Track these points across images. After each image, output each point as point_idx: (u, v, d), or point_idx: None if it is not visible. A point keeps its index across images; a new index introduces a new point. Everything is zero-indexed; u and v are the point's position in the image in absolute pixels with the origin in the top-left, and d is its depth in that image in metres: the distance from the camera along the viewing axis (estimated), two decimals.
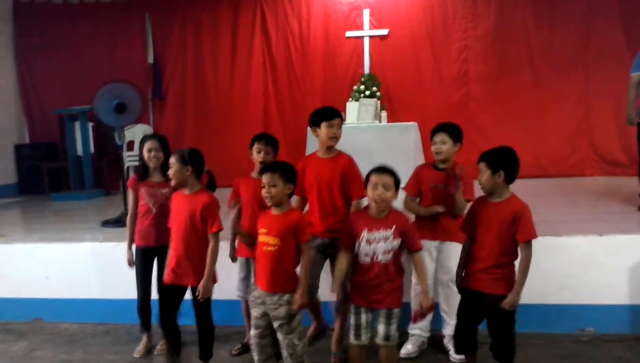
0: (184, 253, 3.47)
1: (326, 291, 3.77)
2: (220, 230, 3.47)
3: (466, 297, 3.31)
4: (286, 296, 3.18)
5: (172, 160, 3.49)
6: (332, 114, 3.67)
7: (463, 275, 3.33)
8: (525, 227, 3.06)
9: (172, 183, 3.54)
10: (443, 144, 3.74)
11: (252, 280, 3.58)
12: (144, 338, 4.19)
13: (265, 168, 3.28)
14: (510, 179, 3.17)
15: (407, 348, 3.92)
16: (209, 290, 3.46)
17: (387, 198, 3.11)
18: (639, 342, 4.02)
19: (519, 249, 3.13)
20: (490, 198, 3.21)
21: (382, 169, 3.16)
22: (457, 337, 3.40)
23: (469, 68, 8.31)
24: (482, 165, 3.17)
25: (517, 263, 3.16)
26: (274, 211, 3.23)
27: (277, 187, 3.15)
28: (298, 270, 3.25)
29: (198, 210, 3.44)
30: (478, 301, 3.21)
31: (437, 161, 3.80)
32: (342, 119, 3.75)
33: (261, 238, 3.24)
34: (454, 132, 3.78)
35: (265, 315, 3.24)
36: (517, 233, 3.07)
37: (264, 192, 3.18)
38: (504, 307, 3.09)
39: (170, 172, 3.49)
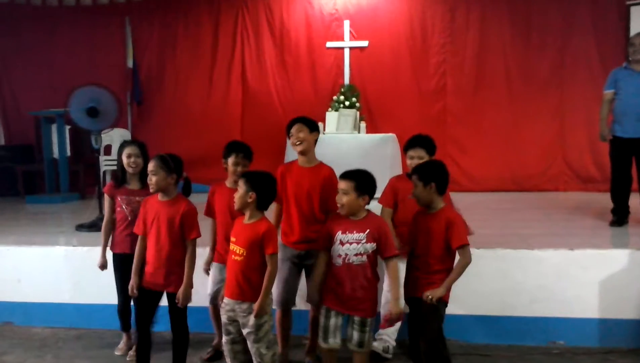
0: (160, 259, 3.43)
1: (299, 300, 3.80)
2: (198, 237, 3.47)
3: (411, 307, 3.42)
4: (253, 305, 3.18)
5: (155, 166, 3.41)
6: (290, 124, 3.71)
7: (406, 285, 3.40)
8: (457, 234, 3.19)
9: (153, 189, 3.46)
10: (421, 159, 3.76)
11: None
12: (124, 337, 4.19)
13: (240, 175, 3.35)
14: (441, 190, 3.31)
15: (374, 345, 3.89)
16: (189, 296, 3.46)
17: (342, 202, 3.20)
18: (609, 355, 4.07)
19: (457, 256, 3.27)
20: (427, 211, 3.33)
21: (343, 175, 3.27)
22: (410, 346, 3.53)
23: (446, 81, 8.45)
24: (415, 178, 3.32)
25: None
26: (244, 220, 3.26)
27: (240, 192, 3.21)
28: None
29: (178, 217, 3.42)
30: (419, 309, 3.29)
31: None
32: (306, 125, 3.68)
33: (230, 246, 3.27)
34: (430, 146, 3.84)
35: (234, 321, 3.26)
36: (450, 240, 3.20)
37: (235, 195, 3.26)
38: (426, 298, 3.16)
39: (154, 179, 3.41)
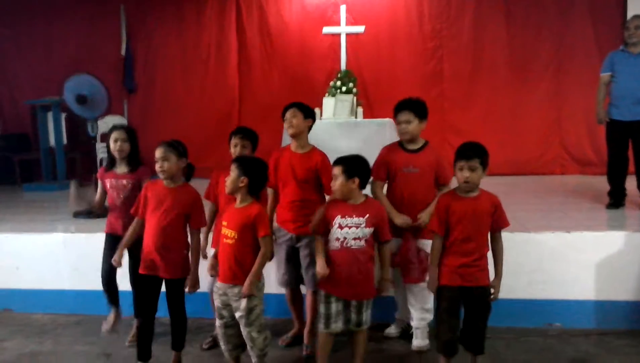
0: (161, 245, 3.43)
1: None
2: (205, 226, 3.54)
3: (459, 296, 3.21)
4: (243, 286, 3.20)
5: (165, 152, 3.40)
6: (285, 109, 3.74)
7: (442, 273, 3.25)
8: (504, 216, 3.22)
9: (164, 176, 3.44)
10: (408, 123, 3.65)
11: None
12: (112, 312, 4.10)
13: (233, 159, 3.37)
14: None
15: (391, 330, 4.10)
16: (197, 282, 3.50)
17: (335, 187, 3.23)
18: (605, 336, 4.11)
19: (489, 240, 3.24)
20: (467, 194, 3.19)
21: (336, 161, 3.28)
22: (462, 334, 3.28)
23: (443, 67, 8.41)
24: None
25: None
26: (236, 204, 3.28)
27: (232, 176, 3.23)
28: None
29: (184, 205, 3.44)
30: (462, 297, 3.21)
31: (404, 141, 3.74)
32: (301, 110, 3.70)
33: (222, 230, 3.29)
34: (419, 109, 3.69)
35: (227, 305, 3.29)
36: (499, 223, 3.21)
37: (225, 180, 3.30)
38: (495, 297, 3.19)
39: (165, 164, 3.40)
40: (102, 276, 3.98)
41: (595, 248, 4.25)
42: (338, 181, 3.22)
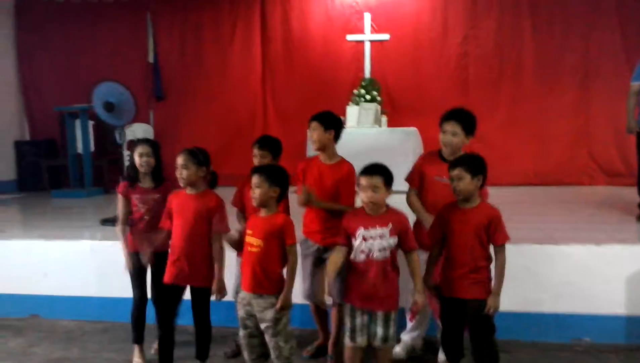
0: (186, 253, 3.46)
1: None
2: (228, 231, 3.51)
3: (451, 306, 3.27)
4: (272, 299, 3.20)
5: (185, 160, 3.44)
6: (310, 120, 3.70)
7: (440, 283, 3.30)
8: (501, 230, 3.16)
9: (184, 183, 3.49)
10: (454, 136, 3.49)
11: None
12: (136, 350, 3.99)
13: (253, 169, 3.32)
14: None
15: (396, 351, 3.92)
16: (223, 289, 3.51)
17: (377, 200, 3.14)
18: (635, 352, 4.03)
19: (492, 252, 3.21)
20: (465, 205, 3.21)
21: (371, 170, 3.17)
22: (444, 344, 3.38)
23: (469, 75, 8.36)
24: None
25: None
26: (261, 213, 3.28)
27: (262, 189, 3.19)
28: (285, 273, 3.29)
29: (207, 211, 3.47)
30: (459, 308, 3.22)
31: (444, 151, 3.60)
32: (321, 123, 3.65)
33: (247, 239, 3.28)
34: (468, 124, 3.51)
35: (252, 316, 3.28)
36: (495, 237, 3.15)
37: (251, 193, 3.25)
38: (488, 311, 3.12)
39: (185, 173, 3.44)
40: (134, 309, 3.91)
41: (626, 261, 4.17)
42: (380, 192, 3.13)
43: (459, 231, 3.18)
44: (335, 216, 3.58)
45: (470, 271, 3.16)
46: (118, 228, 3.90)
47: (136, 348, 4.01)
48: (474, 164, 3.19)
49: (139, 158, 3.81)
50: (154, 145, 3.90)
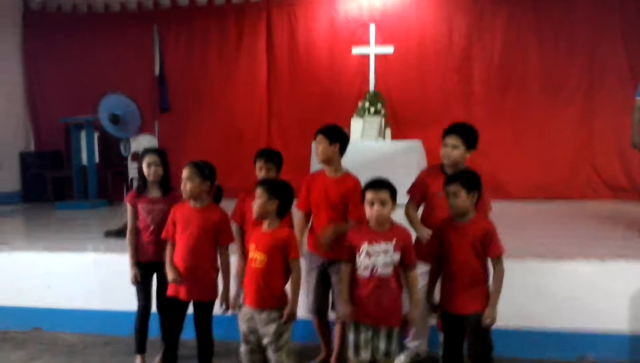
0: (190, 266, 3.47)
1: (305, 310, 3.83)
2: (232, 242, 3.54)
3: (452, 322, 3.29)
4: (274, 313, 3.20)
5: (190, 173, 3.46)
6: (316, 133, 3.70)
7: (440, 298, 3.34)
8: (496, 243, 3.18)
9: (187, 196, 3.51)
10: (455, 148, 3.52)
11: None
12: (138, 360, 4.00)
13: (259, 182, 3.34)
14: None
15: (400, 359, 3.88)
16: (229, 301, 3.53)
17: (384, 214, 3.15)
18: None
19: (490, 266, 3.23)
20: (460, 220, 3.23)
21: (377, 185, 3.17)
22: (445, 358, 3.39)
23: (473, 88, 8.38)
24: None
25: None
26: (263, 227, 3.28)
27: (260, 200, 3.21)
28: (287, 287, 3.29)
29: (211, 224, 3.48)
30: (459, 323, 3.24)
31: (445, 165, 3.62)
32: (326, 136, 3.65)
33: (250, 254, 3.28)
34: (469, 137, 3.54)
35: (254, 331, 3.27)
36: (490, 250, 3.17)
37: (253, 204, 3.27)
38: (485, 323, 3.12)
39: (188, 185, 3.46)
40: (138, 318, 3.92)
41: (630, 278, 4.14)
42: (388, 206, 3.15)
43: (456, 247, 3.21)
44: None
45: (469, 286, 3.18)
46: (127, 237, 3.92)
47: (138, 358, 4.01)
48: (469, 180, 3.21)
49: (147, 168, 3.83)
50: (161, 154, 3.92)
